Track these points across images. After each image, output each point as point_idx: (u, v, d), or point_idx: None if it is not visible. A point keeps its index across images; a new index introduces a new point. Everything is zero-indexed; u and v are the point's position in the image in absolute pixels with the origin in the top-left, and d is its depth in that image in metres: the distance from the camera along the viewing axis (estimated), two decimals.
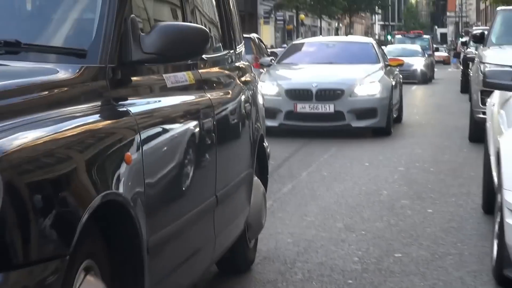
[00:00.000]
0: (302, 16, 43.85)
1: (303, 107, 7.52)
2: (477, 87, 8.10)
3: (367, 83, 7.82)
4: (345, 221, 4.89)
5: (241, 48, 3.78)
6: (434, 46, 33.66)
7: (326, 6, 44.27)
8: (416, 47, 23.36)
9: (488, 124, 4.85)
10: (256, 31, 36.57)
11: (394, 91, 8.71)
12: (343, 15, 50.68)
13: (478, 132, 7.67)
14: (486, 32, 9.31)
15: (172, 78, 2.27)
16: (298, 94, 7.59)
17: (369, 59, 8.89)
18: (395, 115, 9.29)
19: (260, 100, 3.92)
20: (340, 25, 52.64)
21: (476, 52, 9.55)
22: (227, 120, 2.83)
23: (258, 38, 17.34)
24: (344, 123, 7.61)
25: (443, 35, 57.86)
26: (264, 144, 3.84)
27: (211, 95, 2.58)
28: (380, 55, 9.26)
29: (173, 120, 2.19)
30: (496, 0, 30.12)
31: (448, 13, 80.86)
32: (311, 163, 7.40)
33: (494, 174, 3.99)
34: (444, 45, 48.97)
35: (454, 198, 5.71)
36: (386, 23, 74.77)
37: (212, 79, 2.80)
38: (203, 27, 2.36)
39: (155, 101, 2.14)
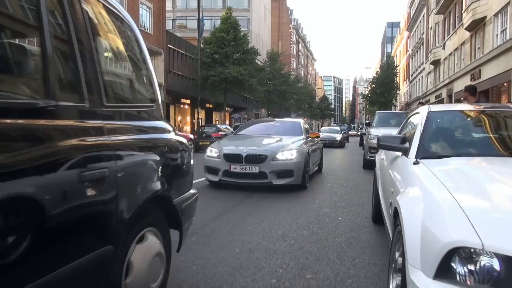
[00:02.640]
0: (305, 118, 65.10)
1: (235, 168, 6.68)
2: (367, 144, 10.46)
3: (286, 150, 6.85)
4: (284, 228, 4.20)
5: (116, 109, 1.86)
6: (350, 129, 51.75)
7: (315, 115, 71.57)
8: (337, 128, 30.54)
9: (378, 170, 4.27)
10: None
11: (312, 154, 7.86)
12: (320, 119, 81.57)
13: (367, 164, 10.05)
14: (370, 121, 13.02)
15: None
16: (232, 158, 6.77)
17: (296, 133, 8.09)
18: (315, 169, 8.61)
19: (169, 159, 2.30)
20: (317, 122, 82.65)
21: (366, 130, 12.29)
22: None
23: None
24: (266, 181, 6.59)
25: (353, 126, 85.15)
26: (176, 201, 2.28)
27: None
28: (304, 130, 8.38)
29: None
30: (372, 110, 50.04)
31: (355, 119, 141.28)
32: (268, 192, 6.46)
33: (388, 227, 2.78)
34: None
35: (355, 207, 5.39)
36: (335, 121, 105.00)
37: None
38: None
39: None
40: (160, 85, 28.37)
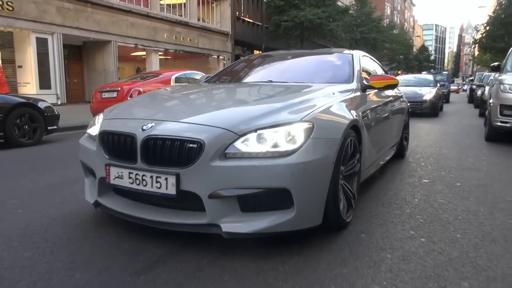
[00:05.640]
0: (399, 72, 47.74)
1: (120, 175, 1.80)
2: (496, 101, 5.74)
3: (272, 126, 1.78)
4: None
5: None
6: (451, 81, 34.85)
7: (412, 68, 55.70)
8: (429, 77, 13.38)
9: None
10: None
11: (374, 130, 2.92)
12: (418, 72, 49.89)
13: (493, 135, 6.10)
14: (502, 64, 7.19)
15: None
16: (112, 145, 1.91)
17: (338, 78, 2.99)
18: (388, 158, 3.84)
19: None
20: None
21: (495, 78, 7.33)
22: None
23: None
24: (202, 222, 1.72)
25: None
26: None
27: None
28: (356, 72, 3.06)
29: None
30: (483, 59, 38.29)
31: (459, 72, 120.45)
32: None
33: None
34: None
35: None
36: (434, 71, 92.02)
37: None
38: None
39: None
40: (227, 34, 25.70)
